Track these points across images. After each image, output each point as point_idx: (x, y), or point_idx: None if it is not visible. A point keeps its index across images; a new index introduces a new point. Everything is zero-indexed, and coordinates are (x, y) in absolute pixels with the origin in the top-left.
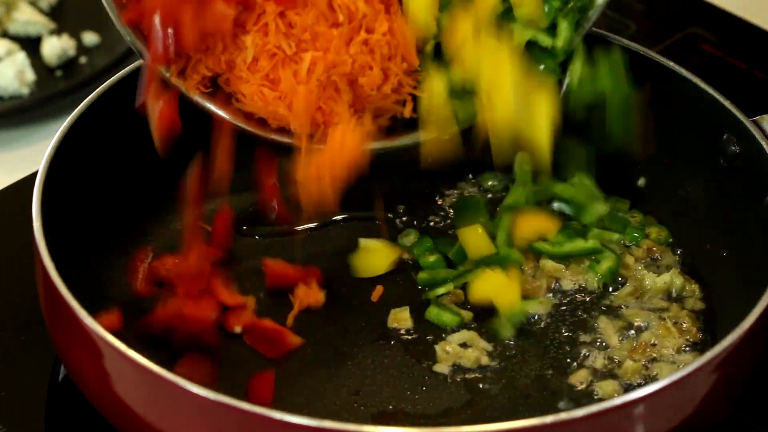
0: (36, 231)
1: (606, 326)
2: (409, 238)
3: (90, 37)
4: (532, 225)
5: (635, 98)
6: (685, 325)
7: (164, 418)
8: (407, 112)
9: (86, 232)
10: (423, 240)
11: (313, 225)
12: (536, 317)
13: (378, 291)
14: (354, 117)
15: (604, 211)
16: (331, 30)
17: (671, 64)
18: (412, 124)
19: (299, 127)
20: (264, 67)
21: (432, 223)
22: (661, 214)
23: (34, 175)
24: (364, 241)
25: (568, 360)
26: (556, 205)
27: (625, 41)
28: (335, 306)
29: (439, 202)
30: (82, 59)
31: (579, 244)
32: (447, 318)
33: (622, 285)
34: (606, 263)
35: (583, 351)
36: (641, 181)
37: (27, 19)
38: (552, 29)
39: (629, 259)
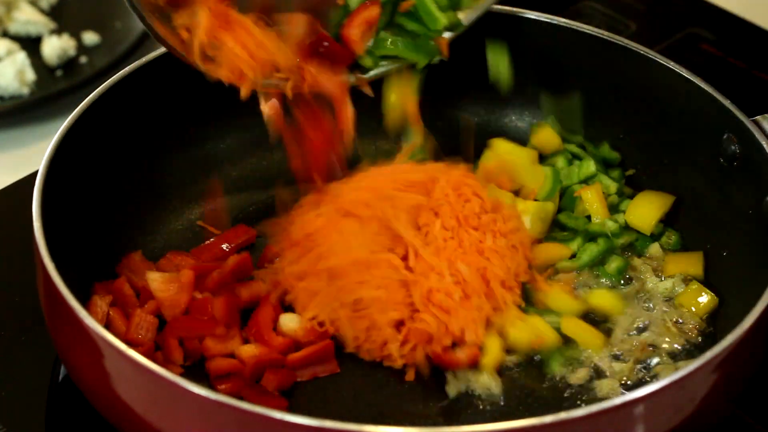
0: (36, 231)
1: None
2: None
3: (90, 37)
4: (548, 252)
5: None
6: (685, 325)
7: (164, 418)
8: None
9: (86, 232)
10: None
11: None
12: None
13: None
14: None
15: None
16: None
17: (671, 64)
18: None
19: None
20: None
21: None
22: None
23: (34, 175)
24: None
25: (568, 360)
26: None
27: (625, 41)
28: None
29: None
30: (82, 59)
31: (593, 249)
32: None
33: (626, 285)
34: (614, 263)
35: (584, 351)
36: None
37: (27, 18)
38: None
39: (636, 261)
